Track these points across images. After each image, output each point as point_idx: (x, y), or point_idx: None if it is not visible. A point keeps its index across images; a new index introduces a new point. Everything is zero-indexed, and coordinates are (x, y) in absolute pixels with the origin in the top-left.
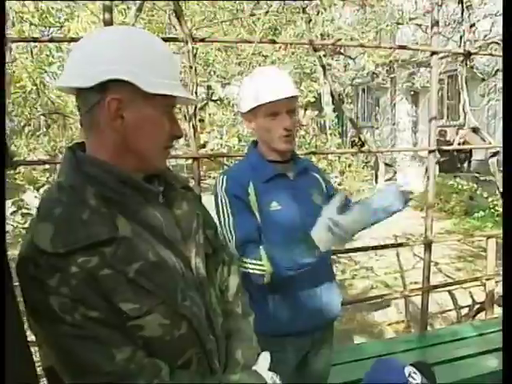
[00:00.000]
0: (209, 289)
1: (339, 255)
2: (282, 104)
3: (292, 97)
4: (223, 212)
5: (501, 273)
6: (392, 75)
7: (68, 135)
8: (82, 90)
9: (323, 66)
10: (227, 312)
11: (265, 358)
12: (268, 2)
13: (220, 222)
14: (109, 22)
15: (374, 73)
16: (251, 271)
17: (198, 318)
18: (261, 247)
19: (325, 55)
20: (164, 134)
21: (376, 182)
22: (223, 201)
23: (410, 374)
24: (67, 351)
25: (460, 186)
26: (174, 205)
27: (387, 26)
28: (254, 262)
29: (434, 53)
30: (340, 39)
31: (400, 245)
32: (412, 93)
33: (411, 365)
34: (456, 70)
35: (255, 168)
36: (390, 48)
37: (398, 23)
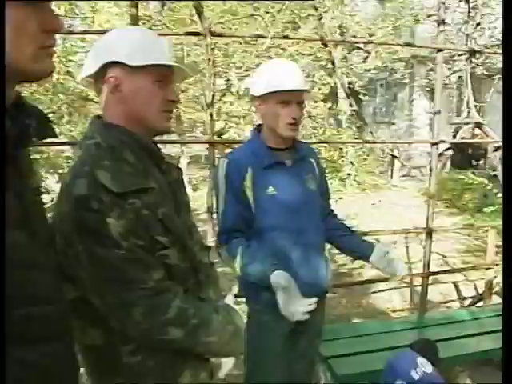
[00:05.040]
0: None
1: None
2: (294, 94)
3: (302, 90)
4: (218, 197)
5: (499, 263)
6: (411, 71)
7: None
8: None
9: (332, 62)
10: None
11: (229, 298)
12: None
13: (216, 204)
14: (134, 16)
15: (392, 68)
16: (222, 261)
17: (196, 255)
18: (239, 248)
19: (343, 49)
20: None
21: (391, 177)
22: (220, 186)
23: (422, 364)
24: (118, 269)
25: (471, 182)
26: (170, 174)
27: (405, 21)
28: (228, 257)
29: (439, 50)
30: (355, 36)
31: (402, 232)
32: (430, 89)
33: (418, 348)
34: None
35: (256, 154)
36: (397, 45)
37: (416, 20)
